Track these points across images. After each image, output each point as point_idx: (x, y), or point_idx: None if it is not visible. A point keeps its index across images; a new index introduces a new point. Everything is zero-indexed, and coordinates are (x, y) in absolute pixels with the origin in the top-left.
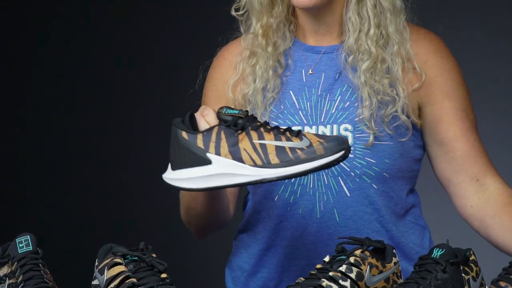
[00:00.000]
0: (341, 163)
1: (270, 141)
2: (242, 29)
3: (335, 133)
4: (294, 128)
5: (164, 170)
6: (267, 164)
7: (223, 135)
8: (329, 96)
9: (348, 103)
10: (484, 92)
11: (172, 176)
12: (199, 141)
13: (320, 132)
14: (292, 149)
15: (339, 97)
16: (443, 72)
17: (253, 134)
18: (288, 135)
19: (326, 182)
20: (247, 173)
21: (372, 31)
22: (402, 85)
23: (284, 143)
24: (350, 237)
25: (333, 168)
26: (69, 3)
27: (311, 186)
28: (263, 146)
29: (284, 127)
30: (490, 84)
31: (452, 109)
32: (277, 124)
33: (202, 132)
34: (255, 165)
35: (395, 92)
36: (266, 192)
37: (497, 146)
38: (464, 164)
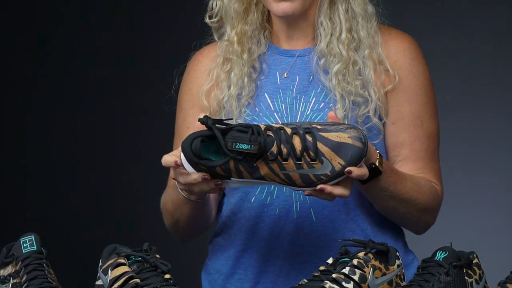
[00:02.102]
0: None
1: (292, 171)
2: (215, 37)
3: None
4: (302, 126)
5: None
6: (292, 184)
7: (241, 168)
8: (304, 97)
9: (322, 104)
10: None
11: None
12: (219, 170)
13: None
14: (317, 176)
15: (314, 98)
16: (409, 75)
17: (273, 165)
18: (308, 160)
19: None
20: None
21: (343, 35)
22: (374, 87)
23: (307, 171)
24: (353, 239)
25: None
26: (69, 3)
27: None
28: (287, 175)
29: (299, 151)
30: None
31: (408, 114)
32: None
33: (220, 165)
34: (280, 183)
35: (367, 93)
36: (243, 194)
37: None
38: (400, 169)
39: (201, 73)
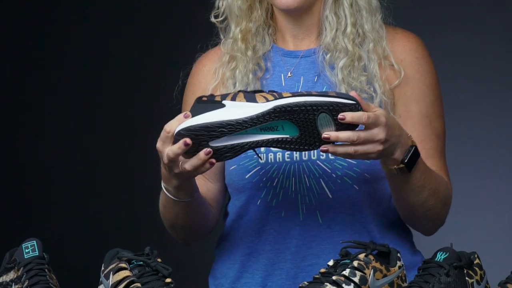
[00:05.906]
0: (322, 165)
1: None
2: (221, 36)
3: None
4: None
5: None
6: (278, 98)
7: (241, 95)
8: None
9: None
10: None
11: (183, 125)
12: (217, 97)
13: None
14: (307, 91)
15: None
16: (416, 74)
17: (269, 96)
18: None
19: (308, 184)
20: (256, 106)
21: (348, 30)
22: (379, 82)
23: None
24: (354, 241)
25: (314, 170)
26: (69, 3)
27: (293, 189)
28: (279, 93)
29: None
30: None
31: (416, 113)
32: None
33: (220, 95)
34: (267, 100)
35: (372, 89)
36: (249, 196)
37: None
38: None
39: (205, 76)
